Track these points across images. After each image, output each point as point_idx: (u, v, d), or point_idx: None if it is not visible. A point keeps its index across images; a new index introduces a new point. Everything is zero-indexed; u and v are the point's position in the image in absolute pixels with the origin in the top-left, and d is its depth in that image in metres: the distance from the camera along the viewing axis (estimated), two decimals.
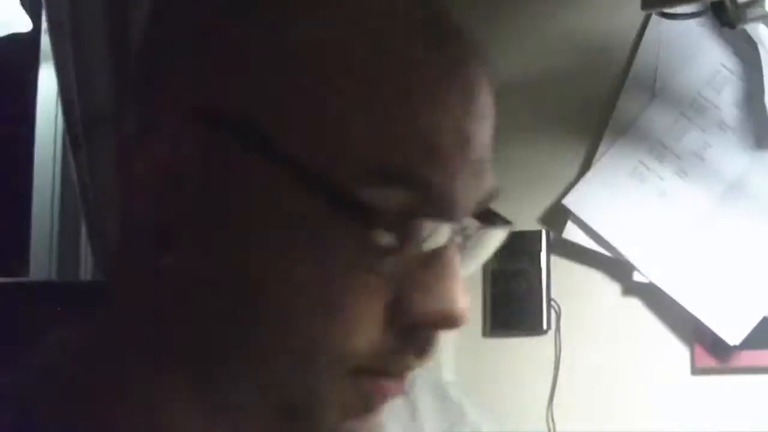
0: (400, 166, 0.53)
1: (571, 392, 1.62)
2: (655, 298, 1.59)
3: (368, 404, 0.59)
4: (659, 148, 1.59)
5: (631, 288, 1.63)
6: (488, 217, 0.60)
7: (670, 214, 1.58)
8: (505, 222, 0.59)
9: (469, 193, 0.56)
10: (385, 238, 0.54)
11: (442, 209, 0.55)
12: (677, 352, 1.59)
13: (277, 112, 0.54)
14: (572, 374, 1.64)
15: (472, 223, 0.58)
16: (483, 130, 0.57)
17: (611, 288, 1.64)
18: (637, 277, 1.59)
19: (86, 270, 1.53)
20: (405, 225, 0.54)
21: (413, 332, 0.56)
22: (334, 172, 0.53)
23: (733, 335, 1.50)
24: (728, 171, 1.56)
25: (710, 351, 1.56)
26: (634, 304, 1.62)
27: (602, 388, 1.61)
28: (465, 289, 0.55)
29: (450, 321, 0.55)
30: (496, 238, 0.60)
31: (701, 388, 1.58)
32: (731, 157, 1.56)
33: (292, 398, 0.58)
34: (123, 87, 0.59)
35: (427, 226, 0.54)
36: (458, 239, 0.57)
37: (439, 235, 0.55)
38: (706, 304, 1.53)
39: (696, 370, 1.58)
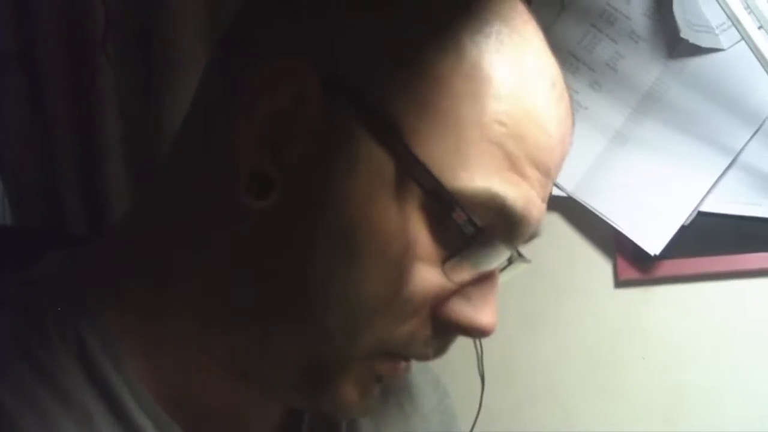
0: (499, 193, 0.59)
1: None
2: (574, 212, 1.59)
3: (379, 381, 0.65)
4: (572, 61, 1.57)
5: (550, 202, 1.59)
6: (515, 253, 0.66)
7: (586, 127, 1.57)
8: (524, 260, 0.65)
9: (534, 227, 0.63)
10: (460, 246, 0.60)
11: (517, 235, 0.62)
12: (600, 265, 1.60)
13: (413, 110, 0.58)
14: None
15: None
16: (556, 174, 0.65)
17: None
18: (555, 191, 1.58)
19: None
20: (482, 242, 0.59)
21: (442, 330, 0.63)
22: (446, 181, 0.58)
23: (653, 245, 1.51)
24: (641, 81, 1.55)
25: (632, 262, 1.57)
26: (553, 219, 1.61)
27: (526, 308, 1.62)
28: (496, 309, 0.63)
29: (479, 332, 0.62)
30: (513, 271, 0.67)
31: (625, 299, 1.59)
32: (644, 67, 1.55)
33: (321, 366, 0.62)
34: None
35: (497, 248, 0.61)
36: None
37: (498, 257, 0.62)
38: (626, 216, 1.53)
39: (619, 283, 1.59)
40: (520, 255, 0.65)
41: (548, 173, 0.63)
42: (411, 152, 0.57)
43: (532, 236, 0.64)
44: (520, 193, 0.60)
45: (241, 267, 0.61)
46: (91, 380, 0.61)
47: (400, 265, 0.59)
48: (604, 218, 1.54)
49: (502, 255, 0.62)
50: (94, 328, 0.62)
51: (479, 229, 0.59)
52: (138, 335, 0.63)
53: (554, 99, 0.62)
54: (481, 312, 0.62)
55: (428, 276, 0.60)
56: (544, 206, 0.64)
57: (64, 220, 1.44)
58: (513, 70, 0.59)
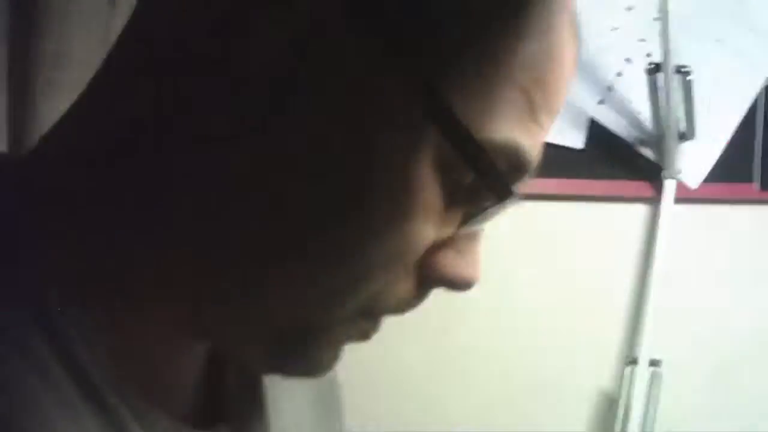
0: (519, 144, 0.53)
1: None
2: None
3: (354, 340, 0.60)
4: None
5: None
6: None
7: None
8: (517, 200, 0.57)
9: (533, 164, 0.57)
10: (475, 198, 0.54)
11: (517, 180, 0.55)
12: None
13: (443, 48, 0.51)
14: None
15: None
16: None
17: None
18: None
19: None
20: (501, 193, 0.54)
21: (425, 284, 0.58)
22: (474, 130, 0.51)
23: None
24: None
25: None
26: None
27: None
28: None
29: (466, 285, 0.58)
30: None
31: None
32: None
33: (299, 326, 0.57)
34: None
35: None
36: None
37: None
38: None
39: None
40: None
41: (555, 118, 0.56)
42: (436, 98, 0.50)
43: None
44: (533, 142, 0.54)
45: (225, 223, 0.53)
46: (63, 357, 0.53)
47: (409, 220, 0.52)
48: None
49: (510, 202, 0.55)
50: (63, 299, 0.53)
51: (503, 182, 0.53)
52: (100, 303, 0.55)
53: (572, 37, 0.56)
54: (471, 265, 0.57)
55: (429, 233, 0.54)
56: None
57: None
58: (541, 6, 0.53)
